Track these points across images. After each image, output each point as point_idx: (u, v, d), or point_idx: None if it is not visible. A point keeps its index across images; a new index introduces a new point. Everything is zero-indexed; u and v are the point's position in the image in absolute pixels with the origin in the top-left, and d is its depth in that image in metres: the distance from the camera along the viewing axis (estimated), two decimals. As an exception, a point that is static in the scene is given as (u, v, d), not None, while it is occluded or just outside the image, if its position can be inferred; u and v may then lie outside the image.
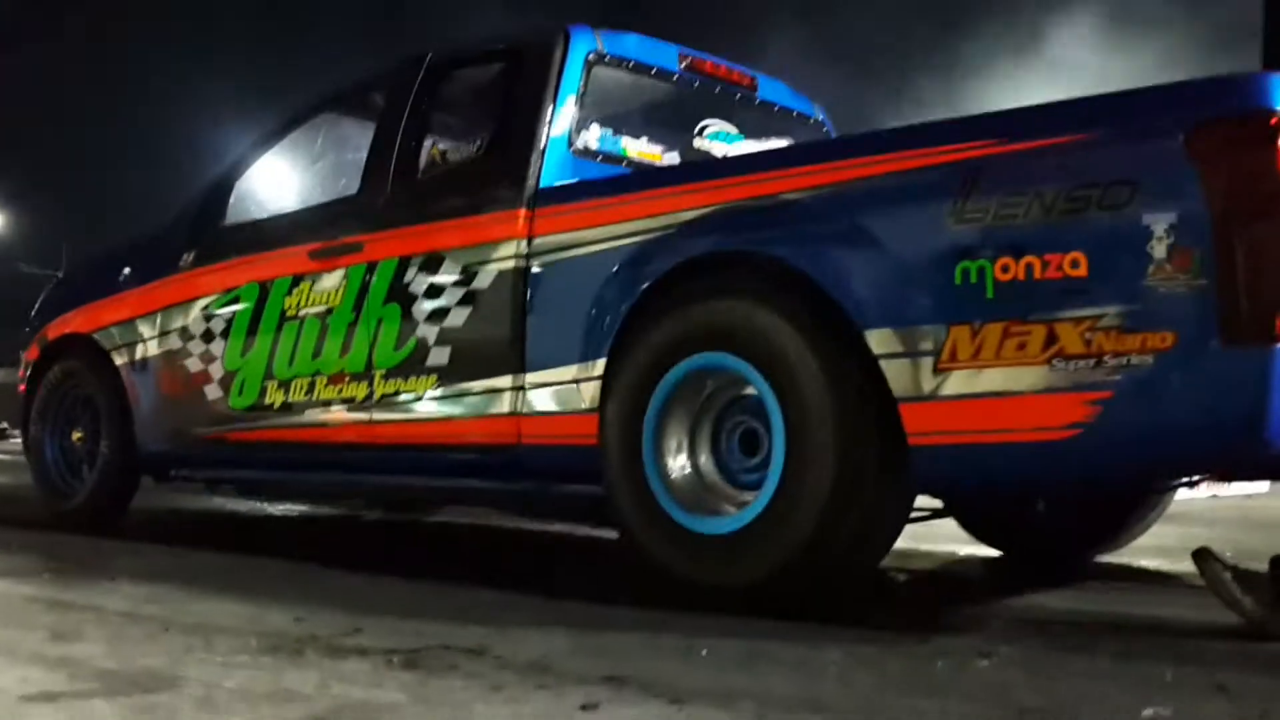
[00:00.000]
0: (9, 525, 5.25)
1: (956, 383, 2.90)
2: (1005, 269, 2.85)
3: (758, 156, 3.71)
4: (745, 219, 3.36)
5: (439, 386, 4.01)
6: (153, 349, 5.07)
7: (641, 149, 4.27)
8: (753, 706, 2.13)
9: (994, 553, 4.43)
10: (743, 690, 2.27)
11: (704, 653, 2.64)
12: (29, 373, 5.75)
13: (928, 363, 2.94)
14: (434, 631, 2.83)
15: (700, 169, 3.87)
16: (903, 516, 3.24)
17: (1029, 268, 2.82)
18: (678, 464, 3.44)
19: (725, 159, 4.18)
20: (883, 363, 3.01)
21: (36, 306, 5.92)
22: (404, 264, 4.15)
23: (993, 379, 2.86)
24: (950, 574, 4.29)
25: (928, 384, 2.94)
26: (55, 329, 5.63)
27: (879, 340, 3.01)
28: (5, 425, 16.15)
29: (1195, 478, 3.54)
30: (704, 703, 2.17)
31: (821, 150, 3.35)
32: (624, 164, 4.15)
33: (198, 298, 4.91)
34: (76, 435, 5.40)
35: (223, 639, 2.75)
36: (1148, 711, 2.09)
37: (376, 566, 3.28)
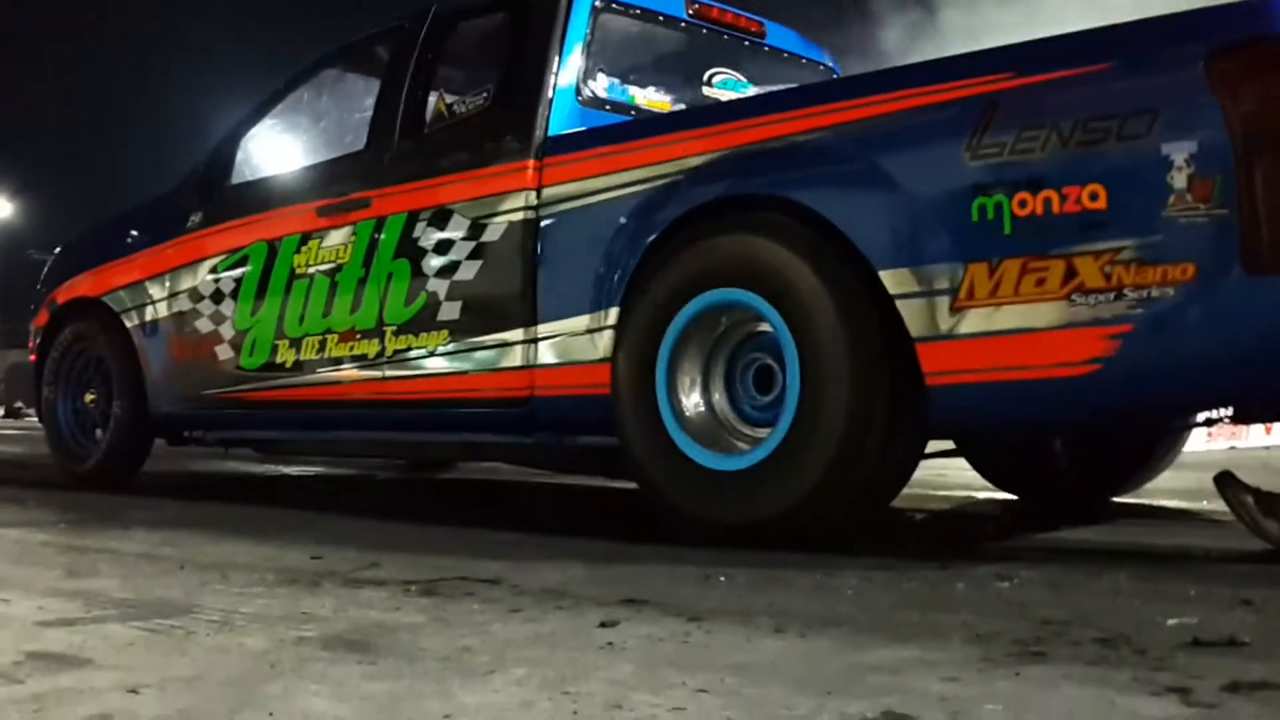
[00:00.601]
0: (25, 485, 5.26)
1: (974, 321, 2.88)
2: (1023, 204, 2.83)
3: (767, 98, 3.69)
4: (756, 162, 3.34)
5: (451, 341, 3.99)
6: (163, 310, 5.06)
7: (650, 98, 4.25)
8: (770, 622, 2.12)
9: (1010, 496, 4.42)
10: (760, 609, 2.26)
11: (721, 579, 2.63)
12: (39, 339, 5.75)
13: (945, 301, 2.92)
14: (450, 565, 2.83)
15: (709, 113, 3.84)
16: (917, 455, 3.23)
17: (1047, 202, 2.80)
18: (691, 401, 3.43)
19: (734, 102, 4.16)
20: (899, 302, 2.99)
21: (44, 272, 5.92)
22: (412, 219, 4.14)
23: (1011, 316, 2.84)
24: (966, 513, 4.28)
25: (945, 323, 2.92)
26: (64, 293, 5.62)
27: (895, 280, 3.00)
28: (20, 405, 16.20)
29: (1214, 415, 3.52)
30: (721, 620, 2.16)
31: (832, 90, 3.33)
32: (632, 113, 4.13)
33: (206, 258, 4.91)
34: (89, 397, 5.40)
35: (239, 574, 2.75)
36: (1172, 621, 2.08)
37: (392, 513, 3.29)
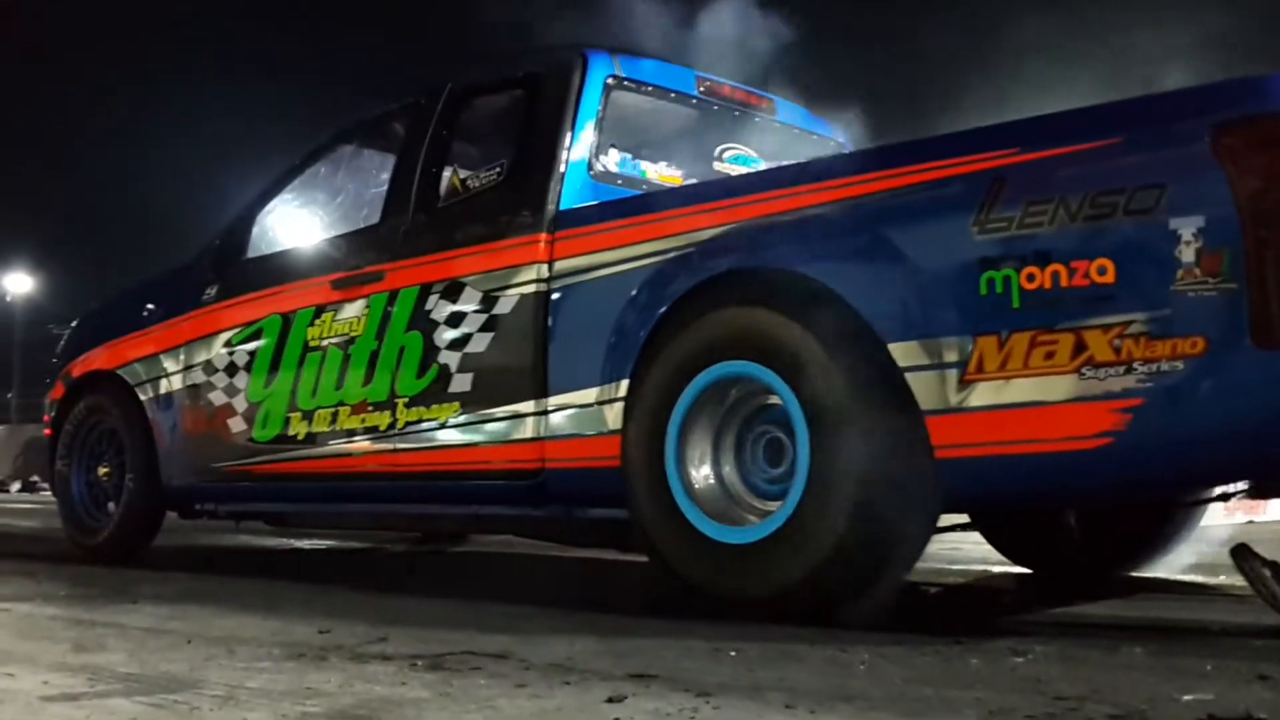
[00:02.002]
0: (37, 559, 5.25)
1: (984, 394, 2.88)
2: (1031, 278, 2.83)
3: (776, 173, 3.71)
4: (766, 236, 3.36)
5: (462, 413, 4.00)
6: (177, 383, 5.09)
7: (661, 172, 4.29)
8: (781, 698, 2.09)
9: (1024, 570, 4.38)
10: (771, 684, 2.23)
11: (732, 653, 2.60)
12: (54, 412, 5.77)
13: (954, 374, 2.92)
14: (459, 639, 2.80)
15: (719, 187, 3.87)
16: (929, 529, 3.20)
17: (1055, 276, 2.80)
18: (701, 474, 3.42)
19: (743, 176, 4.19)
20: (908, 375, 2.99)
21: (60, 345, 5.97)
22: (425, 291, 4.17)
23: (1021, 389, 2.83)
24: (980, 587, 4.24)
25: (954, 395, 2.91)
26: (80, 366, 5.66)
27: (904, 352, 3.00)
28: (36, 479, 16.23)
29: (1228, 490, 3.49)
30: (731, 695, 2.13)
31: (841, 164, 3.35)
32: (644, 187, 4.17)
33: (221, 331, 4.94)
34: (102, 470, 5.41)
35: (246, 649, 2.73)
36: (1188, 697, 2.05)
37: (402, 587, 3.27)
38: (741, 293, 3.36)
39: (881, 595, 3.00)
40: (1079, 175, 2.84)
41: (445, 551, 5.44)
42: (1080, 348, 2.75)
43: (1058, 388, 2.78)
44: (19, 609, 3.54)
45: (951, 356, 2.92)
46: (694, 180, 4.35)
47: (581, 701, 2.11)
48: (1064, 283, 2.79)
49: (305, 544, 6.21)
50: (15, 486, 16.80)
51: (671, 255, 3.53)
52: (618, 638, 2.85)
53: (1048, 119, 3.03)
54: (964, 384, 2.90)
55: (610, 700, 2.09)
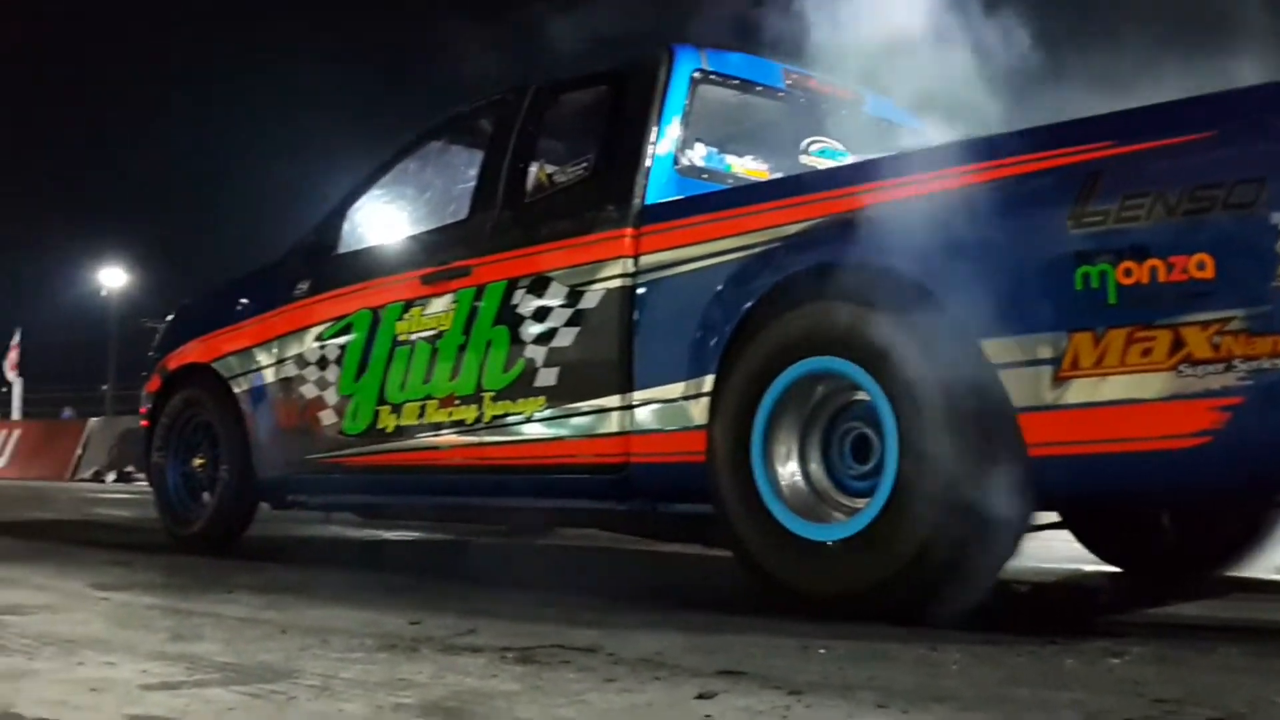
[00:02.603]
0: (133, 549, 5.38)
1: (1078, 391, 2.83)
2: (1128, 273, 2.77)
3: (865, 166, 3.67)
4: (854, 230, 3.33)
5: (547, 407, 4.03)
6: (270, 376, 5.17)
7: (747, 166, 4.27)
8: (873, 697, 2.08)
9: (1115, 569, 4.30)
10: (862, 683, 2.21)
11: (821, 651, 2.59)
12: (150, 404, 5.90)
13: (1048, 371, 2.87)
14: (547, 632, 2.82)
15: (806, 181, 3.84)
16: (1022, 528, 3.15)
17: (1153, 271, 2.74)
18: (787, 470, 3.40)
19: (830, 170, 4.15)
20: (1001, 372, 2.94)
21: (156, 339, 6.10)
22: (512, 286, 4.20)
23: (1117, 386, 2.78)
24: (1071, 585, 4.16)
25: (1048, 393, 2.87)
26: (175, 359, 5.77)
27: (996, 349, 2.95)
28: (132, 469, 16.63)
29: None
30: (822, 693, 2.12)
31: (930, 158, 3.30)
32: (730, 181, 4.15)
33: (312, 325, 5.01)
34: (197, 462, 5.52)
35: (339, 639, 2.78)
36: (1291, 702, 2.00)
37: (490, 579, 3.31)
38: (829, 288, 3.33)
39: (972, 593, 2.96)
40: (1177, 169, 2.77)
41: (532, 544, 5.47)
42: (1178, 344, 2.69)
43: (1155, 385, 2.72)
44: (117, 598, 3.63)
45: (1046, 353, 2.87)
46: (780, 174, 4.33)
47: (672, 697, 2.11)
48: (1162, 278, 2.73)
49: (392, 535, 6.29)
50: (111, 477, 17.22)
51: (758, 250, 3.52)
52: (705, 634, 2.85)
53: (1144, 111, 2.96)
54: (1058, 381, 2.85)
55: (701, 697, 2.09)
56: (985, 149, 3.19)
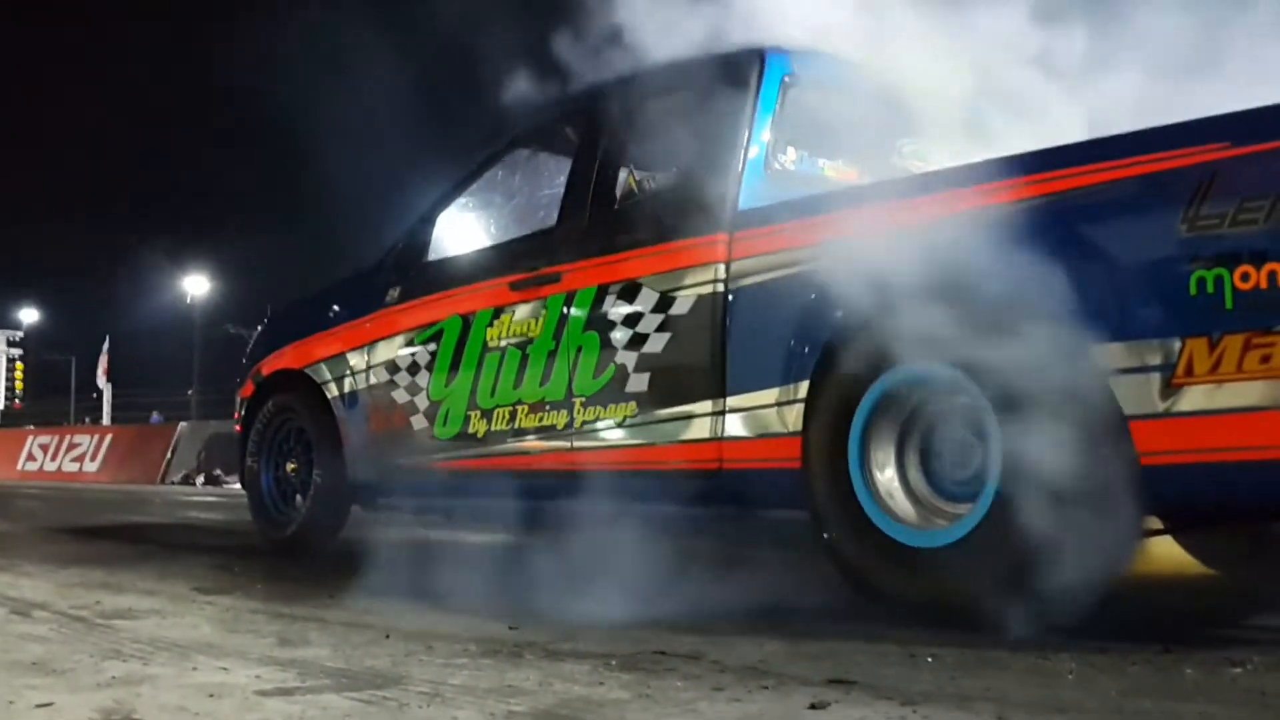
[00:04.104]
0: (229, 552, 5.47)
1: (1193, 398, 2.75)
2: (1245, 277, 2.69)
3: (968, 169, 3.60)
4: (957, 233, 3.27)
5: (639, 413, 4.02)
6: (361, 382, 5.23)
7: (839, 169, 4.23)
8: (991, 708, 2.05)
9: (1220, 574, 4.19)
10: (977, 694, 2.18)
11: (929, 659, 2.56)
12: (244, 409, 6.00)
13: (1161, 378, 2.80)
14: (647, 639, 2.82)
15: (901, 185, 3.77)
16: (1134, 537, 3.07)
17: (1271, 276, 2.67)
18: (885, 477, 3.36)
19: (927, 173, 4.08)
20: (1111, 378, 2.88)
21: (250, 346, 6.20)
22: (602, 292, 4.20)
23: (1234, 394, 2.70)
24: (1182, 591, 4.06)
25: (1161, 400, 2.80)
26: (269, 365, 5.86)
27: (1107, 354, 2.89)
28: (220, 472, 16.95)
29: None
30: (937, 705, 2.09)
31: (1037, 159, 3.23)
32: (822, 185, 4.11)
33: (403, 331, 5.06)
34: (291, 466, 5.60)
35: (442, 644, 2.80)
36: None
37: (582, 583, 3.32)
38: (929, 292, 3.29)
39: (1081, 602, 2.90)
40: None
41: (619, 549, 5.45)
42: None
43: (1275, 393, 2.64)
44: (221, 601, 3.70)
45: (1158, 359, 2.80)
46: (872, 176, 4.28)
47: (784, 707, 2.09)
48: (1281, 283, 2.65)
49: (479, 538, 6.31)
50: (200, 480, 17.56)
51: (852, 256, 3.48)
52: (807, 640, 2.83)
53: (1261, 112, 2.88)
54: (1171, 388, 2.78)
55: (813, 707, 2.08)
56: (1098, 150, 3.10)
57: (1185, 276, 2.77)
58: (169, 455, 19.06)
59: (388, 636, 2.93)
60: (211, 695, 2.22)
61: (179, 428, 20.10)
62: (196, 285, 42.33)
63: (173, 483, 18.10)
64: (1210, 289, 2.74)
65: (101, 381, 29.03)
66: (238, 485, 6.77)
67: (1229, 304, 2.71)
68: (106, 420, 27.35)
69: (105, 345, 29.35)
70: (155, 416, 30.99)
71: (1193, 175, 2.80)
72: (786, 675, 2.38)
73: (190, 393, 41.75)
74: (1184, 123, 2.93)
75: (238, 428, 6.12)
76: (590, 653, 2.66)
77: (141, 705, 2.13)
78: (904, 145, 4.28)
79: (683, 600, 3.16)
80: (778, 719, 2.00)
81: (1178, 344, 2.78)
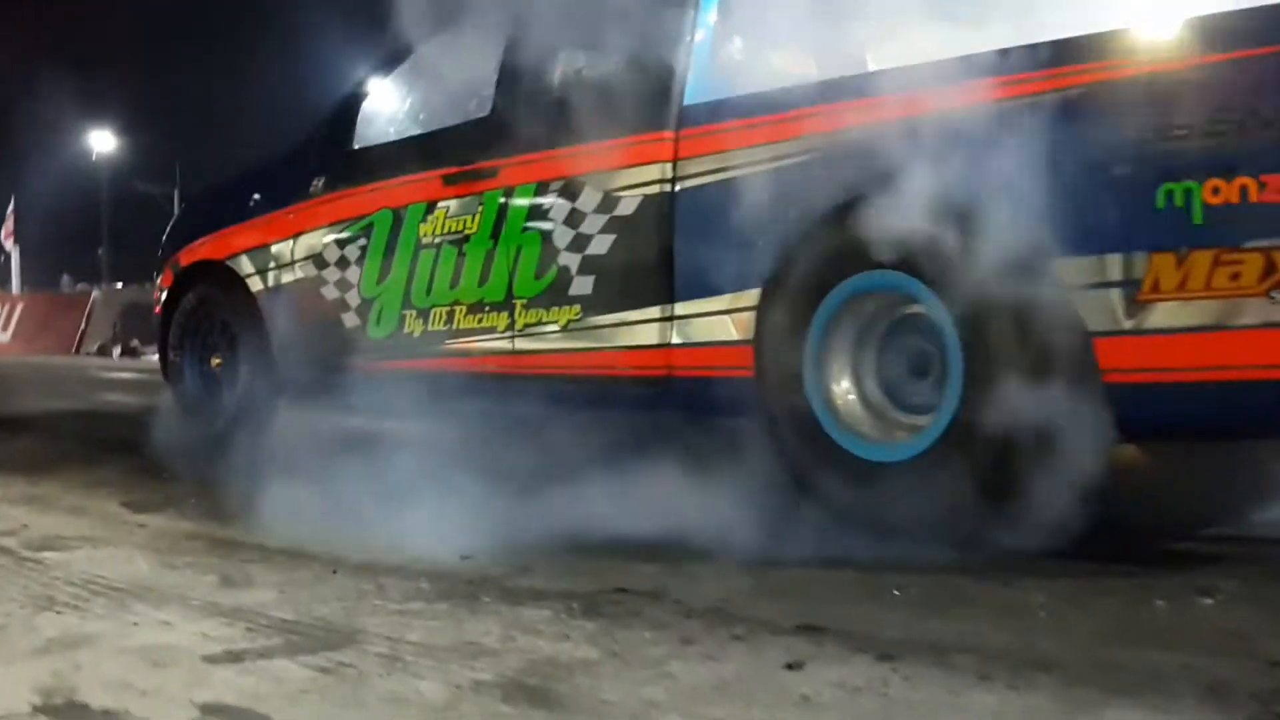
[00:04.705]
0: (156, 449, 5.26)
1: (1159, 316, 2.68)
2: (1215, 191, 2.61)
3: (928, 68, 3.41)
4: (915, 137, 3.13)
5: (583, 316, 3.89)
6: (288, 276, 5.02)
7: (792, 59, 4.04)
8: (972, 664, 1.99)
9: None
10: (953, 643, 2.13)
11: (895, 593, 2.51)
12: (164, 299, 5.75)
13: (1125, 294, 2.73)
14: (606, 571, 2.74)
15: (860, 83, 3.56)
16: (1100, 455, 3.00)
17: (1243, 190, 2.58)
18: (842, 388, 3.29)
19: (887, 71, 3.87)
20: (1073, 293, 2.80)
21: (167, 233, 5.92)
22: (542, 189, 4.02)
23: (1201, 311, 2.63)
24: (1137, 498, 4.06)
25: (1126, 317, 2.73)
26: (188, 255, 5.60)
27: (1070, 269, 2.81)
28: (136, 343, 16.56)
29: None
30: (917, 660, 2.03)
31: (1000, 60, 3.06)
32: (775, 79, 3.93)
33: (331, 224, 4.83)
34: (215, 361, 5.40)
35: (393, 582, 2.70)
36: None
37: (533, 499, 3.22)
38: (887, 199, 3.16)
39: (1045, 520, 2.85)
40: (1271, 82, 2.59)
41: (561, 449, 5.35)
42: (1271, 269, 2.55)
43: (1243, 311, 2.58)
44: (154, 523, 3.56)
45: (1123, 275, 2.73)
46: (827, 67, 4.10)
47: (759, 667, 2.03)
48: (1253, 197, 2.56)
49: (418, 434, 6.16)
50: (116, 352, 17.13)
51: (807, 157, 3.34)
52: (766, 570, 2.76)
53: (1236, 15, 2.74)
54: (1136, 305, 2.71)
55: (789, 666, 2.01)
56: (1062, 54, 2.96)
57: (1153, 189, 2.68)
58: (83, 325, 18.58)
59: (335, 571, 2.82)
60: (156, 664, 2.10)
61: (93, 297, 19.58)
62: (102, 141, 40.90)
63: (89, 353, 17.67)
64: (1179, 203, 2.65)
65: (8, 244, 28.02)
66: (155, 358, 6.54)
67: (1198, 219, 2.63)
68: (16, 286, 26.51)
69: (10, 206, 28.27)
70: (65, 279, 30.17)
71: (1161, 84, 2.69)
72: (754, 621, 2.31)
73: (100, 251, 40.69)
74: (1151, 27, 2.80)
75: (158, 309, 5.87)
76: (550, 591, 2.58)
77: (83, 681, 2.01)
78: (856, 33, 4.09)
79: (636, 518, 3.08)
80: (757, 685, 1.94)
81: (1144, 259, 2.70)
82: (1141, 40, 2.82)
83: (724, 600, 2.48)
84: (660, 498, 3.27)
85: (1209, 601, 2.38)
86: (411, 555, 2.97)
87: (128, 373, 12.51)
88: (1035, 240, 2.84)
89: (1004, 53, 3.06)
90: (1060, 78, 2.89)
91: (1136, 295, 2.71)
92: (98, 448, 5.56)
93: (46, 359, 16.06)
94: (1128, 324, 2.72)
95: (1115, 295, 2.74)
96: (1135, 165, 2.73)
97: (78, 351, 17.96)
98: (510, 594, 2.58)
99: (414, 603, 2.52)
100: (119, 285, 25.36)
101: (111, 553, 3.10)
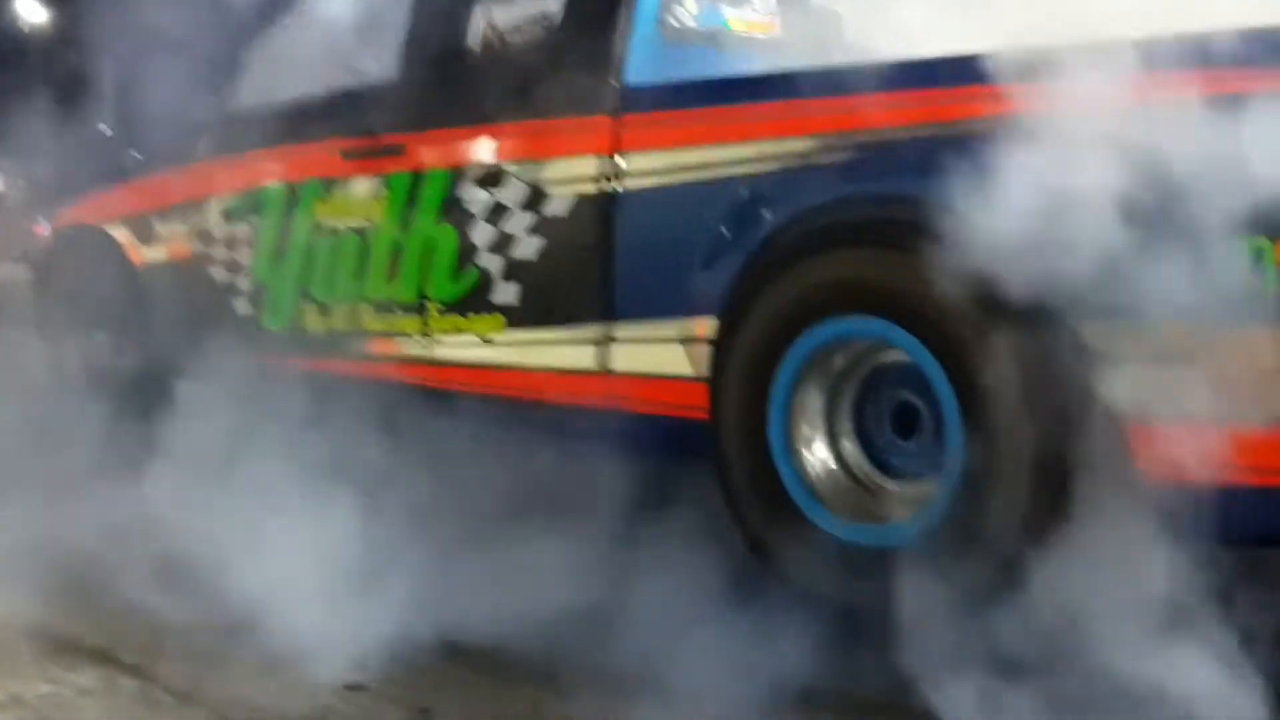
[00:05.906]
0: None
1: None
2: None
3: (921, 67, 2.74)
4: (906, 151, 2.54)
5: (507, 330, 3.30)
6: (168, 250, 4.38)
7: (748, 18, 3.40)
8: None
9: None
10: None
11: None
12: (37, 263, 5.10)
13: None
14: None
15: (846, 75, 2.86)
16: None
17: None
18: (817, 455, 2.73)
19: (879, 66, 3.12)
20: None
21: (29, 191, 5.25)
22: (458, 175, 3.40)
23: None
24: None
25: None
26: (63, 216, 4.96)
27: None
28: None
29: None
30: None
31: (1033, 59, 2.41)
32: (729, 41, 3.30)
33: (215, 195, 4.20)
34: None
35: None
36: None
37: (439, 575, 2.67)
38: (868, 227, 2.59)
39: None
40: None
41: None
42: None
43: None
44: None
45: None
46: (784, 23, 3.46)
47: None
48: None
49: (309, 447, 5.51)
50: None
51: (773, 165, 2.75)
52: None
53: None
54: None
55: None
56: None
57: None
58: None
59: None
60: None
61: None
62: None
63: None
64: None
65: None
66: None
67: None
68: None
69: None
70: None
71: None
72: None
73: None
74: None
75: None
76: None
77: None
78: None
79: (568, 617, 2.53)
80: None
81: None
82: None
83: None
84: (583, 570, 2.71)
85: None
86: (288, 682, 2.38)
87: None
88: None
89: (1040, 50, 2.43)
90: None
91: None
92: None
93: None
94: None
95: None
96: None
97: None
98: None
99: None
100: None
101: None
